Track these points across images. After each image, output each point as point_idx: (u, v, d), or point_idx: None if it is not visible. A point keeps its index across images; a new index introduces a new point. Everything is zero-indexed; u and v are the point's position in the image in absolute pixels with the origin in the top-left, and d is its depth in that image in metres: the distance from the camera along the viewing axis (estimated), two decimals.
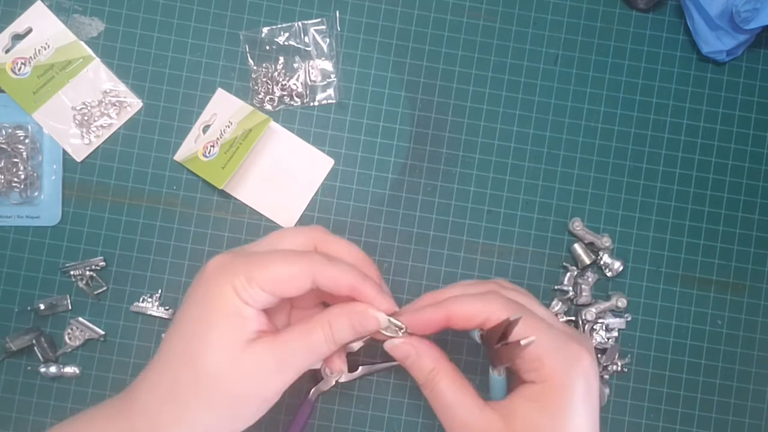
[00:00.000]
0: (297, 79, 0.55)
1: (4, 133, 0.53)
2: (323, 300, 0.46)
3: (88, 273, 0.53)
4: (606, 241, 0.54)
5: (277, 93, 0.54)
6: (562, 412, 0.38)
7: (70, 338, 0.53)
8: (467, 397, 0.40)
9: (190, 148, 0.54)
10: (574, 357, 0.39)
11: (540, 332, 0.39)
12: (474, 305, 0.40)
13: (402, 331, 0.42)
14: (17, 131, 0.53)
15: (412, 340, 0.42)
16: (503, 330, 0.38)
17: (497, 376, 0.41)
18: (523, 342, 0.38)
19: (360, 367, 0.53)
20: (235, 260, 0.40)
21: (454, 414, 0.40)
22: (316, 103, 0.55)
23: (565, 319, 0.54)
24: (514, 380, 0.41)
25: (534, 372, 0.39)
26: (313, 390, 0.52)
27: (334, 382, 0.53)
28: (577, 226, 0.54)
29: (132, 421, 0.39)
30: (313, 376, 0.53)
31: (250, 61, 0.55)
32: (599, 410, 0.41)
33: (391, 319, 0.41)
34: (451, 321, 0.41)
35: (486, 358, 0.42)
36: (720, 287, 0.55)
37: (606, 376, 0.54)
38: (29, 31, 0.54)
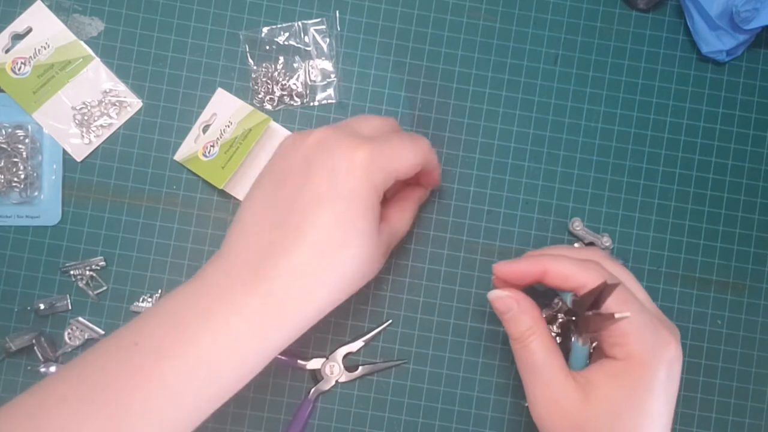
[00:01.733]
0: (297, 79, 0.55)
1: (4, 132, 0.53)
2: None
3: (88, 273, 0.53)
4: (606, 241, 0.54)
5: (277, 93, 0.54)
6: (639, 392, 0.39)
7: (70, 338, 0.53)
8: (556, 362, 0.41)
9: (190, 148, 0.54)
10: (662, 342, 0.39)
11: (633, 309, 0.39)
12: (573, 268, 0.42)
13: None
14: (17, 131, 0.53)
15: (516, 294, 0.43)
16: (597, 297, 0.39)
17: (581, 345, 0.41)
18: (617, 315, 0.39)
19: (360, 367, 0.53)
20: (375, 154, 0.41)
21: (539, 374, 0.41)
22: (316, 103, 0.55)
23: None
24: (595, 353, 0.42)
25: (619, 347, 0.39)
26: (313, 390, 0.52)
27: (334, 382, 0.53)
28: (577, 226, 0.54)
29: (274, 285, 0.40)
30: (313, 376, 0.53)
31: (250, 61, 0.55)
32: (675, 402, 0.41)
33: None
34: (547, 277, 0.43)
35: (573, 325, 0.43)
36: (720, 287, 0.55)
37: None
38: (29, 30, 0.54)
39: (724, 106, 0.56)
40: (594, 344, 0.44)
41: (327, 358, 0.53)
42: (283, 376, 0.53)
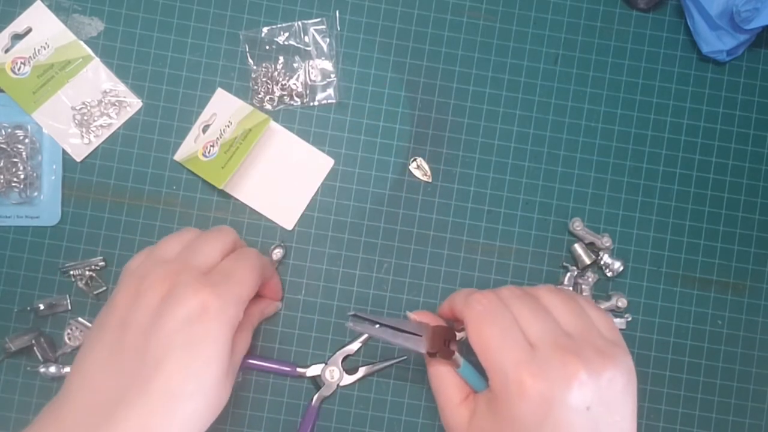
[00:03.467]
0: (297, 79, 0.54)
1: (3, 132, 0.53)
2: None
3: (87, 273, 0.53)
4: (606, 241, 0.54)
5: (277, 93, 0.54)
6: (499, 425, 0.38)
7: (69, 338, 0.53)
8: (449, 387, 0.42)
9: (189, 148, 0.54)
10: (515, 380, 0.37)
11: (489, 340, 0.39)
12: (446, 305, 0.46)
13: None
14: (17, 131, 0.53)
15: (427, 318, 0.45)
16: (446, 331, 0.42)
17: (456, 369, 0.42)
18: (457, 335, 0.40)
19: (360, 369, 0.53)
20: (225, 296, 0.40)
21: (437, 397, 0.43)
22: (316, 103, 0.55)
23: None
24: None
25: (491, 378, 0.39)
26: (315, 397, 0.52)
27: (336, 387, 0.52)
28: (577, 226, 0.54)
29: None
30: (315, 383, 0.53)
31: (250, 60, 0.55)
32: None
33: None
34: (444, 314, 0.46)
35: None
36: (720, 287, 0.55)
37: None
38: (29, 30, 0.54)
39: (724, 106, 0.56)
40: None
41: (326, 363, 0.53)
42: (282, 378, 0.53)
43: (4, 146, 0.53)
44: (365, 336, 0.53)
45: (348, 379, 0.52)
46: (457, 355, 0.42)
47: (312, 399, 0.52)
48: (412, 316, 0.46)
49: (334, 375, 0.52)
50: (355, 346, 0.53)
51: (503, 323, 0.39)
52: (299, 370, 0.52)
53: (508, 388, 0.37)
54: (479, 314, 0.40)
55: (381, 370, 0.53)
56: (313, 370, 0.52)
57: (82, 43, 0.54)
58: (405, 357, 0.53)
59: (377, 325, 0.43)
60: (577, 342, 0.38)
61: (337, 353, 0.53)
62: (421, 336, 0.43)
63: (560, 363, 0.37)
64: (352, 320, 0.43)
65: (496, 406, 0.38)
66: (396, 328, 0.43)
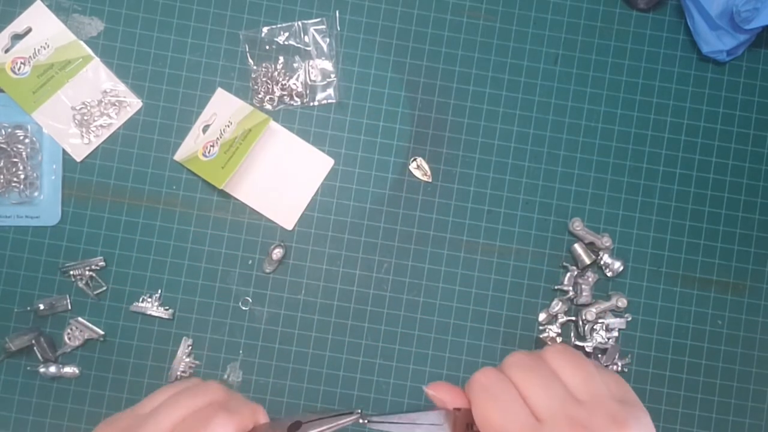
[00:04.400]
0: (297, 79, 0.54)
1: (3, 132, 0.53)
2: None
3: (87, 273, 0.53)
4: (606, 241, 0.54)
5: (277, 93, 0.54)
6: None
7: (69, 338, 0.53)
8: None
9: (189, 148, 0.54)
10: None
11: (492, 419, 0.36)
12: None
13: None
14: (17, 131, 0.53)
15: (441, 390, 0.41)
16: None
17: None
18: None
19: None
20: None
21: None
22: (316, 103, 0.55)
23: (565, 319, 0.54)
24: None
25: None
26: None
27: None
28: (577, 226, 0.54)
29: None
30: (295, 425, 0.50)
31: (250, 60, 0.55)
32: None
33: None
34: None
35: None
36: (720, 287, 0.55)
37: None
38: (29, 30, 0.54)
39: (724, 106, 0.56)
40: None
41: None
42: None
43: (4, 146, 0.53)
44: (333, 425, 0.50)
45: None
46: None
47: None
48: (429, 391, 0.43)
49: None
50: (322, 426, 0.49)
51: (505, 399, 0.37)
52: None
53: None
54: (480, 391, 0.37)
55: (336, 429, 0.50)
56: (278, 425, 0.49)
57: (82, 43, 0.54)
58: (359, 412, 0.51)
59: (394, 423, 0.41)
60: (588, 409, 0.36)
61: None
62: (441, 424, 0.41)
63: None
64: (364, 421, 0.42)
65: None
66: (414, 423, 0.41)
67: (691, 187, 0.55)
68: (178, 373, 0.53)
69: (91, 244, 0.54)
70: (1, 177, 0.53)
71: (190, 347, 0.53)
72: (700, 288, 0.55)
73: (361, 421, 0.40)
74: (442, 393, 0.41)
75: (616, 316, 0.54)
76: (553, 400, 0.37)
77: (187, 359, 0.53)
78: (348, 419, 0.46)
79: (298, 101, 0.54)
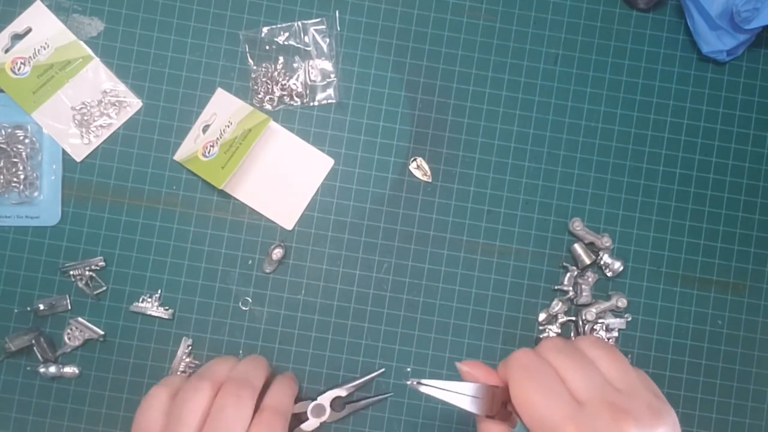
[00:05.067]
0: (297, 79, 0.54)
1: (3, 133, 0.53)
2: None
3: (87, 273, 0.53)
4: (606, 241, 0.54)
5: (277, 93, 0.54)
6: None
7: (69, 338, 0.53)
8: None
9: (189, 148, 0.54)
10: None
11: (533, 398, 0.37)
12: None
13: None
14: (17, 131, 0.53)
15: (475, 368, 0.43)
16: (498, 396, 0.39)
17: (512, 429, 0.39)
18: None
19: (346, 406, 0.52)
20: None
21: None
22: (316, 103, 0.55)
23: (565, 319, 0.54)
24: None
25: None
26: (297, 430, 0.51)
27: (318, 424, 0.51)
28: (577, 226, 0.54)
29: None
30: (298, 418, 0.52)
31: (250, 60, 0.55)
32: None
33: None
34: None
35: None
36: (720, 287, 0.55)
37: None
38: (29, 30, 0.54)
39: (724, 106, 0.56)
40: None
41: (315, 400, 0.52)
42: None
43: (4, 146, 0.53)
44: (357, 382, 0.52)
45: (333, 416, 0.52)
46: (514, 416, 0.39)
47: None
48: (464, 367, 0.43)
49: (321, 413, 0.51)
50: (346, 390, 0.52)
51: (546, 379, 0.37)
52: None
53: None
54: (520, 371, 0.38)
55: (367, 407, 0.52)
56: (300, 407, 0.51)
57: (82, 43, 0.54)
58: (392, 393, 0.53)
59: (438, 389, 0.41)
60: (626, 396, 0.37)
61: (328, 393, 0.52)
62: (480, 398, 0.40)
63: (611, 419, 0.35)
64: (413, 383, 0.42)
65: None
66: (455, 392, 0.41)
67: (691, 187, 0.55)
68: (178, 372, 0.53)
69: (91, 244, 0.54)
70: (1, 177, 0.53)
71: (189, 347, 0.53)
72: (700, 288, 0.55)
73: (409, 383, 0.40)
74: (476, 370, 0.42)
75: (616, 316, 0.54)
76: (593, 385, 0.37)
77: (187, 359, 0.53)
78: (373, 375, 0.51)
79: (298, 101, 0.54)
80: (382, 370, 0.53)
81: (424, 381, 0.41)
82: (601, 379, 0.37)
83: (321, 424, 0.52)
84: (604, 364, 0.38)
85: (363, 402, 0.52)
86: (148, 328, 0.53)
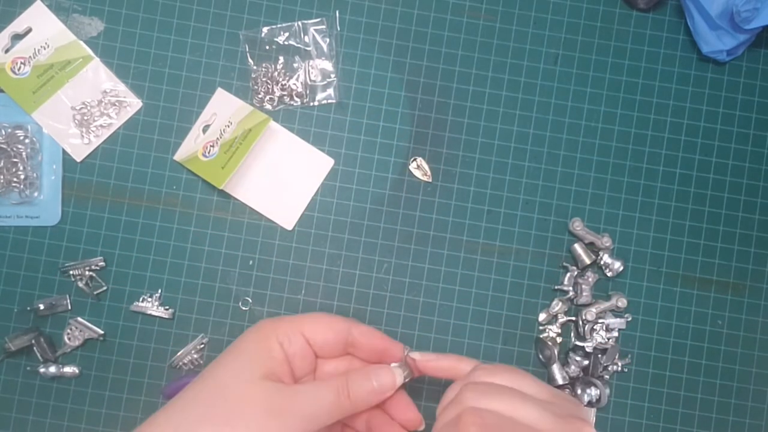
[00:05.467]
0: (297, 79, 0.54)
1: (3, 133, 0.53)
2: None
3: (87, 273, 0.53)
4: (606, 241, 0.54)
5: (277, 93, 0.54)
6: None
7: (69, 338, 0.53)
8: None
9: (189, 148, 0.54)
10: None
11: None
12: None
13: (411, 375, 0.44)
14: (17, 131, 0.53)
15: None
16: None
17: None
18: None
19: None
20: (284, 316, 0.44)
21: None
22: (316, 103, 0.55)
23: (565, 319, 0.54)
24: None
25: None
26: None
27: None
28: (577, 226, 0.54)
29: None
30: None
31: (250, 60, 0.55)
32: None
33: (405, 371, 0.44)
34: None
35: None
36: (720, 287, 0.55)
37: (606, 377, 0.54)
38: (29, 30, 0.54)
39: (724, 106, 0.56)
40: None
41: None
42: None
43: (4, 146, 0.53)
44: None
45: None
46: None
47: None
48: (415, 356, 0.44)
49: None
50: (399, 379, 0.51)
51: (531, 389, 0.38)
52: None
53: None
54: (482, 395, 0.37)
55: None
56: None
57: (82, 43, 0.54)
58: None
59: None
60: (564, 407, 0.37)
61: None
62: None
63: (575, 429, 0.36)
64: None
65: None
66: None
67: (691, 187, 0.55)
68: (181, 363, 0.53)
69: (91, 244, 0.54)
70: (1, 177, 0.53)
71: (203, 345, 0.53)
72: (700, 288, 0.55)
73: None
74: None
75: (616, 316, 0.54)
76: (541, 412, 0.37)
77: (196, 355, 0.53)
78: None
79: (298, 101, 0.54)
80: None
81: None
82: (541, 404, 0.37)
83: None
84: (528, 387, 0.39)
85: None
86: (148, 328, 0.53)
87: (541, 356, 0.54)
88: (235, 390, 0.39)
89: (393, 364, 0.44)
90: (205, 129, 0.54)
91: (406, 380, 0.44)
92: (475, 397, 0.38)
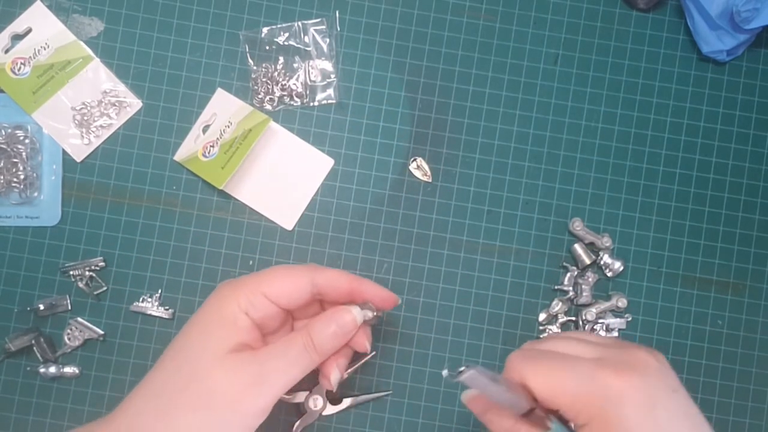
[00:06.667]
0: (297, 79, 0.54)
1: (3, 133, 0.53)
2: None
3: (87, 273, 0.53)
4: (606, 241, 0.54)
5: (277, 93, 0.54)
6: None
7: (69, 338, 0.53)
8: None
9: (189, 148, 0.54)
10: (601, 386, 0.36)
11: (553, 376, 0.37)
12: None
13: (377, 314, 0.43)
14: (17, 131, 0.53)
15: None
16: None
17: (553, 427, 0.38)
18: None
19: (345, 400, 0.52)
20: (243, 277, 0.42)
21: None
22: (316, 103, 0.55)
23: (565, 319, 0.54)
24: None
25: (577, 416, 0.36)
26: (297, 424, 0.51)
27: (317, 416, 0.52)
28: (577, 226, 0.54)
29: (114, 425, 0.39)
30: (297, 410, 0.52)
31: (250, 61, 0.55)
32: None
33: (366, 310, 0.42)
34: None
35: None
36: (720, 287, 0.55)
37: None
38: (29, 31, 0.54)
39: (724, 106, 0.56)
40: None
41: (311, 392, 0.52)
42: None
43: (4, 146, 0.53)
44: (349, 369, 0.52)
45: (331, 409, 0.52)
46: (547, 416, 0.38)
47: (293, 426, 0.51)
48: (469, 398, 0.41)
49: (317, 404, 0.52)
50: (343, 375, 0.52)
51: (554, 356, 0.38)
52: (284, 396, 0.50)
53: (598, 404, 0.35)
54: (526, 361, 0.38)
55: (364, 402, 0.53)
56: (298, 397, 0.51)
57: (82, 43, 0.54)
58: (390, 392, 0.53)
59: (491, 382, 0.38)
60: (622, 351, 0.38)
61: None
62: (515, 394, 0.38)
63: (631, 356, 0.37)
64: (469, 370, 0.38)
65: (600, 429, 0.35)
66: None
67: (691, 187, 0.55)
68: None
69: (91, 244, 0.54)
70: (1, 177, 0.53)
71: None
72: (700, 288, 0.55)
73: (445, 373, 0.37)
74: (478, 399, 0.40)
75: (616, 316, 0.54)
76: (595, 345, 0.39)
77: None
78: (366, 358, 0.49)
79: (298, 101, 0.54)
80: (373, 353, 0.52)
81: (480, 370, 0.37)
82: (594, 345, 0.39)
83: (320, 416, 0.52)
84: (590, 338, 0.40)
85: (362, 397, 0.52)
86: (148, 328, 0.53)
87: None
88: (208, 370, 0.39)
89: (352, 305, 0.43)
90: (205, 129, 0.54)
91: (371, 318, 0.43)
92: (530, 343, 0.40)
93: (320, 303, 0.46)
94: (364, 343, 0.44)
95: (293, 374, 0.41)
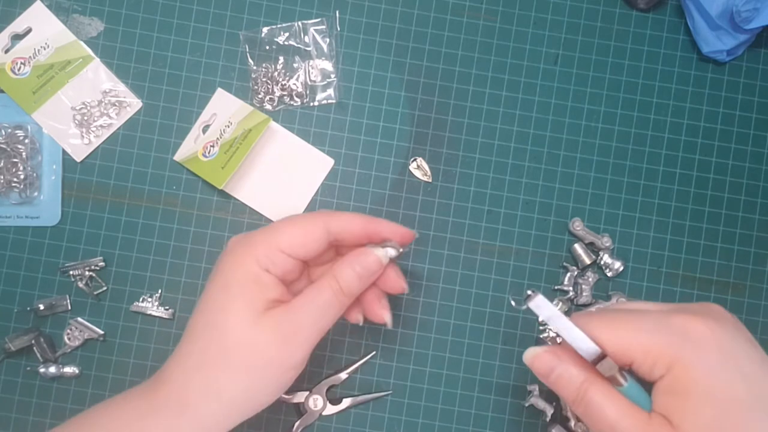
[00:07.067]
0: (297, 79, 0.54)
1: (3, 133, 0.53)
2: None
3: (87, 273, 0.53)
4: (606, 241, 0.54)
5: (277, 93, 0.54)
6: (713, 385, 0.34)
7: (69, 338, 0.53)
8: (630, 408, 0.35)
9: (189, 148, 0.54)
10: (679, 330, 0.35)
11: (625, 326, 0.36)
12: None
13: (399, 250, 0.42)
14: (17, 131, 0.53)
15: (554, 348, 0.38)
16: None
17: (621, 387, 0.36)
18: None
19: (345, 400, 0.52)
20: (254, 233, 0.42)
21: (621, 430, 0.35)
22: (316, 103, 0.55)
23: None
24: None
25: (653, 367, 0.35)
26: (297, 424, 0.51)
27: (317, 416, 0.52)
28: (577, 226, 0.54)
29: (162, 394, 0.40)
30: (297, 410, 0.52)
31: (250, 61, 0.55)
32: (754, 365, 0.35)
33: (389, 249, 0.42)
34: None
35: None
36: (720, 287, 0.55)
37: None
38: (29, 31, 0.54)
39: (724, 106, 0.56)
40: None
41: (311, 392, 0.52)
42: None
43: (4, 146, 0.53)
44: (350, 368, 0.52)
45: (331, 409, 0.52)
46: (620, 371, 0.36)
47: (293, 426, 0.52)
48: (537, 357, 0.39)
49: (317, 404, 0.52)
50: (342, 375, 0.52)
51: (621, 309, 0.38)
52: (283, 396, 0.50)
53: (676, 351, 0.34)
54: (595, 314, 0.37)
55: (364, 402, 0.53)
56: (298, 397, 0.52)
57: (82, 43, 0.54)
58: (390, 392, 0.53)
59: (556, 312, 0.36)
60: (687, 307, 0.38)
61: (322, 382, 0.52)
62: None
63: (704, 307, 0.36)
64: (536, 295, 0.36)
65: (681, 376, 0.34)
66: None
67: (691, 187, 0.55)
68: None
69: (91, 244, 0.54)
70: (1, 177, 0.53)
71: None
72: (700, 288, 0.55)
73: (513, 303, 0.36)
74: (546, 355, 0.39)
75: None
76: (657, 307, 0.39)
77: None
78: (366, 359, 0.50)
79: (298, 101, 0.54)
80: (373, 353, 0.53)
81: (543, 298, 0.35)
82: (658, 304, 0.39)
83: (320, 416, 0.52)
84: (649, 305, 0.39)
85: (362, 397, 0.52)
86: (148, 328, 0.53)
87: None
88: (243, 337, 0.39)
89: (372, 246, 0.42)
90: (205, 129, 0.54)
91: (395, 255, 0.43)
92: (581, 313, 0.40)
93: (335, 248, 0.45)
94: (400, 282, 0.44)
95: (326, 321, 0.41)
